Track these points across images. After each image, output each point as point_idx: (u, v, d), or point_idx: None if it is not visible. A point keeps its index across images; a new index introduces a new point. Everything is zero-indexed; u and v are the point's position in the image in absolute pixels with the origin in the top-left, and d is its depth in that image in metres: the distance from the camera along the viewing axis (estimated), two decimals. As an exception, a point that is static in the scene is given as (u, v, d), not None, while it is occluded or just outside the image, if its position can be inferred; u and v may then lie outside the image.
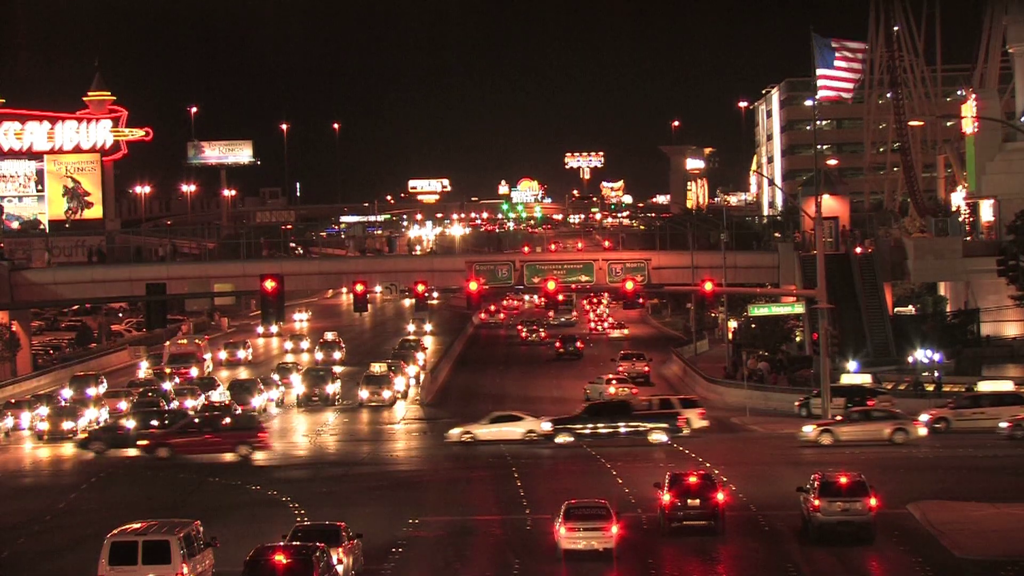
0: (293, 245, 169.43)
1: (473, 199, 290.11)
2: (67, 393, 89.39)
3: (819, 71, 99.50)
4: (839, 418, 72.45)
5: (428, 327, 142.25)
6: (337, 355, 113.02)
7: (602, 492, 52.66)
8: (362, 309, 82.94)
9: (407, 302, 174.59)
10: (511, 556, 46.00)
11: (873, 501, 46.97)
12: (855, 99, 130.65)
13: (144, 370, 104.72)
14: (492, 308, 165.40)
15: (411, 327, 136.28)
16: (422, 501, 56.86)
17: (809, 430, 70.85)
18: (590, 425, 72.25)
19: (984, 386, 78.96)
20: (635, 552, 46.48)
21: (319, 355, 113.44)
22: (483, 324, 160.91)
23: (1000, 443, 69.48)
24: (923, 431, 70.90)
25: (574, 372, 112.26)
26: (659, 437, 71.11)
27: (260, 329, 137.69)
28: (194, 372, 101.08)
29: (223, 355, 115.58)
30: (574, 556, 45.13)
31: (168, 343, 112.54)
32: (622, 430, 71.78)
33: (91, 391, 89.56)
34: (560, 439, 71.56)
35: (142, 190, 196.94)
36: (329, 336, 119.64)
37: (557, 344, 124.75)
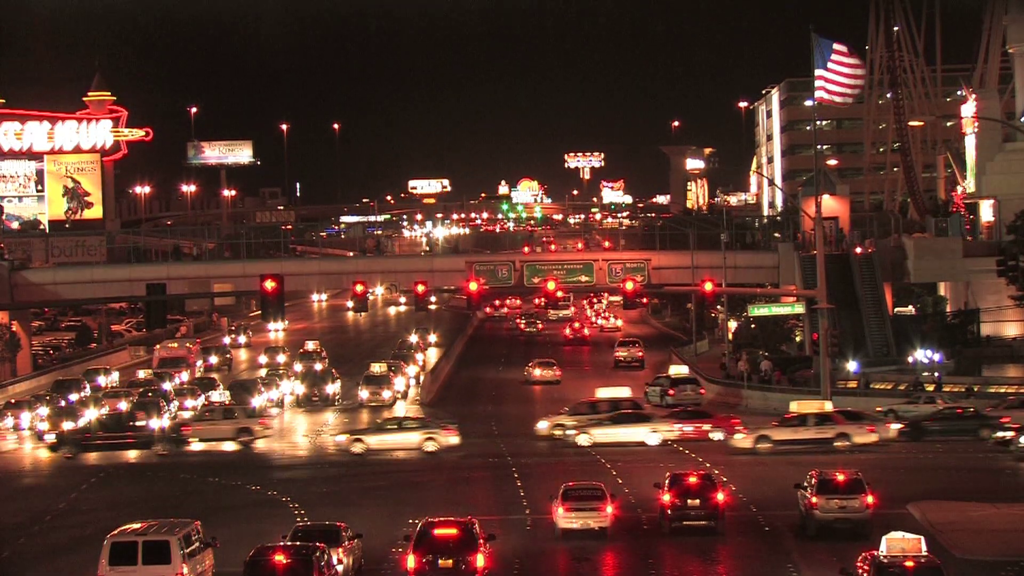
0: (353, 253, 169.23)
1: (472, 200, 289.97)
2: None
3: (817, 71, 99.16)
4: (379, 422, 73.65)
5: (432, 338, 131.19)
6: (318, 367, 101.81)
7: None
8: (362, 309, 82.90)
9: (392, 309, 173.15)
10: (512, 555, 46.10)
11: (870, 498, 47.44)
12: (856, 99, 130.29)
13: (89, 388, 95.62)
14: (497, 303, 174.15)
15: (413, 338, 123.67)
16: (422, 501, 56.85)
17: (342, 439, 72.28)
18: (96, 436, 73.37)
19: (602, 392, 79.63)
20: (635, 551, 46.64)
21: (298, 367, 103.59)
22: (488, 318, 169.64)
23: (562, 451, 70.03)
24: (455, 439, 71.06)
25: (574, 369, 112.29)
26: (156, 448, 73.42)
27: (227, 340, 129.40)
28: (184, 376, 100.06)
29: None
30: (571, 535, 47.82)
31: (158, 346, 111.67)
32: (125, 439, 73.57)
33: (73, 396, 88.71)
34: (61, 451, 72.30)
35: (142, 190, 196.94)
36: (310, 345, 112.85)
37: (568, 333, 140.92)
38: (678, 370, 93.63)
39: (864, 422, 69.19)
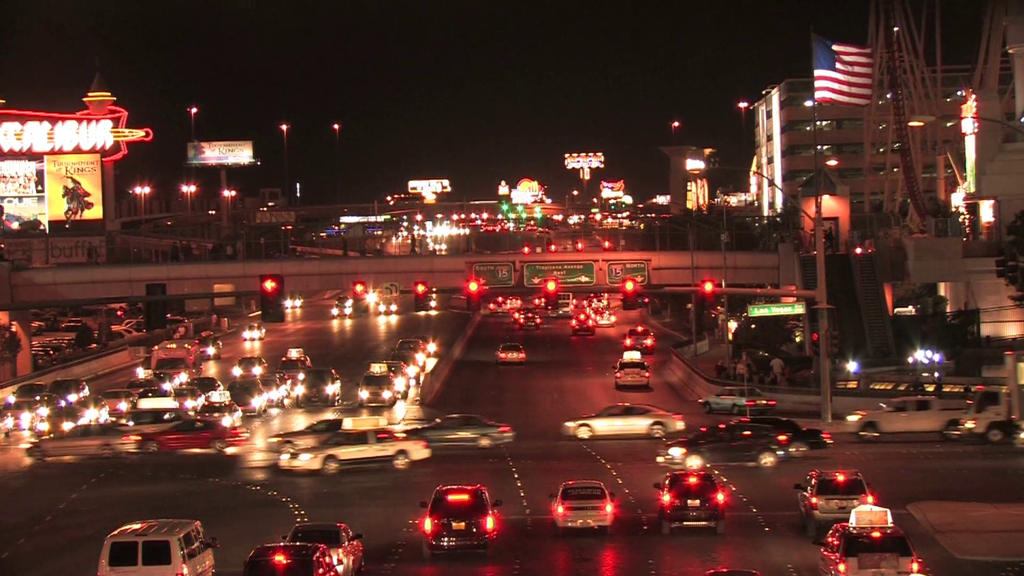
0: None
1: (470, 201, 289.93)
2: (11, 399, 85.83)
3: (817, 72, 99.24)
4: None
5: (432, 347, 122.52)
6: (301, 377, 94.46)
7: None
8: (362, 311, 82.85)
9: (381, 319, 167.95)
10: (511, 555, 46.15)
11: (870, 499, 47.42)
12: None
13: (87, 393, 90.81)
14: (500, 300, 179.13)
15: (410, 344, 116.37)
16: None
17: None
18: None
19: (145, 403, 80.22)
20: (635, 551, 46.64)
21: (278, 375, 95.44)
22: (491, 314, 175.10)
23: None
24: (24, 446, 72.99)
25: (573, 370, 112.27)
26: None
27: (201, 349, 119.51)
28: (183, 377, 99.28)
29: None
30: (571, 533, 48.54)
31: (156, 347, 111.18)
32: None
33: (66, 400, 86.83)
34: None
35: (142, 190, 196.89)
36: (294, 354, 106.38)
37: (574, 324, 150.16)
38: (630, 356, 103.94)
39: (419, 438, 68.34)
